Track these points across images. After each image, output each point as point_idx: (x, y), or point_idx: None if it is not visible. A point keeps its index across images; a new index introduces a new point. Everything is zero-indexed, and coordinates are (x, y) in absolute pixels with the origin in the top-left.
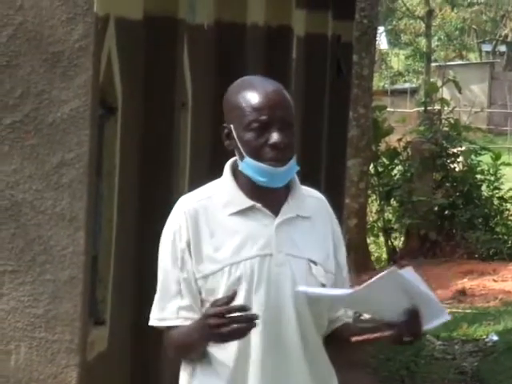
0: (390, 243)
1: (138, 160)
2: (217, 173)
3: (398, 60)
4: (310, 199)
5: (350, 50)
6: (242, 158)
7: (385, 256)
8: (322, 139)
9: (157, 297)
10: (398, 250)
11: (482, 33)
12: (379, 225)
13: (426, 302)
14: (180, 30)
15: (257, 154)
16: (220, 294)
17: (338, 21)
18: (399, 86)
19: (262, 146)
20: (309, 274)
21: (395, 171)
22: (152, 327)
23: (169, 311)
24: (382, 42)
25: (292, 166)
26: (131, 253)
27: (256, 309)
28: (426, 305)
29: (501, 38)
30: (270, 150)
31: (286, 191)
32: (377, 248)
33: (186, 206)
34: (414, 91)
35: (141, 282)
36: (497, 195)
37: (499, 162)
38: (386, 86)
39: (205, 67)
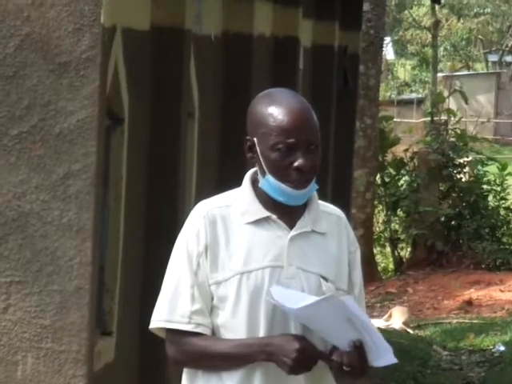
0: (396, 253)
1: (144, 170)
2: (223, 182)
3: (404, 70)
4: (328, 216)
5: (357, 61)
6: (263, 173)
7: (391, 266)
8: (328, 149)
9: (165, 298)
10: (404, 260)
11: (489, 43)
12: (386, 235)
13: (372, 336)
14: (187, 40)
15: (280, 175)
16: (228, 302)
17: (344, 31)
18: (406, 96)
19: (286, 167)
20: (319, 290)
21: (402, 181)
22: (159, 337)
23: (180, 314)
24: (389, 52)
25: (311, 187)
26: (138, 263)
27: (263, 319)
28: (373, 340)
29: (507, 49)
30: (295, 172)
31: (303, 205)
32: (383, 258)
33: (205, 210)
34: (420, 101)
35: (148, 292)
36: (503, 205)
37: (506, 173)
38: (393, 96)
39: (211, 78)
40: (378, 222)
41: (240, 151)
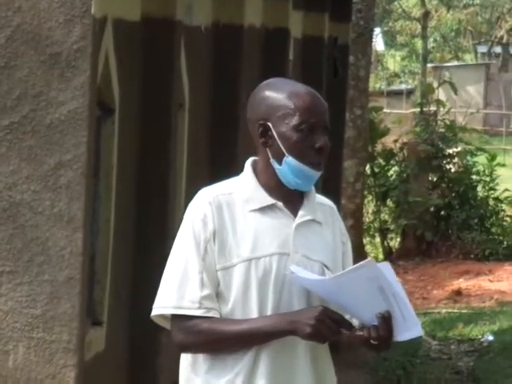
0: (386, 244)
1: (135, 161)
2: (214, 173)
3: (394, 61)
4: (322, 206)
5: (347, 52)
6: (280, 157)
7: (381, 256)
8: None
9: (172, 284)
10: (394, 250)
11: (478, 34)
12: (375, 225)
13: (401, 309)
14: (177, 31)
15: (301, 155)
16: (236, 288)
17: (334, 22)
18: (395, 87)
19: (307, 148)
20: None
21: (391, 172)
22: (149, 325)
23: (190, 300)
24: (379, 43)
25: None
26: (129, 253)
27: (270, 305)
28: (402, 313)
29: (496, 40)
30: (315, 153)
31: (301, 194)
32: (373, 248)
33: (211, 196)
34: (410, 92)
35: (138, 282)
36: (492, 196)
37: (495, 163)
38: (383, 87)
39: (202, 68)
40: (367, 213)
41: (230, 142)
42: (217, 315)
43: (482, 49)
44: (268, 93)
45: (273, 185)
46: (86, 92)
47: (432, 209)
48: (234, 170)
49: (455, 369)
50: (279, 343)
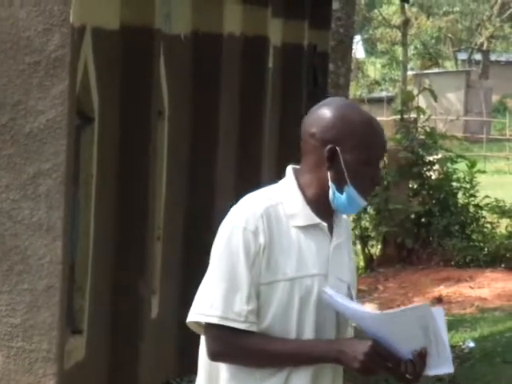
0: (367, 251)
1: (115, 169)
2: (193, 180)
3: (374, 69)
4: (342, 221)
5: (327, 59)
6: (341, 184)
7: (362, 264)
8: (299, 148)
9: (218, 293)
10: (374, 257)
11: (458, 41)
12: (356, 233)
13: (438, 346)
14: (156, 39)
15: (361, 188)
16: (277, 304)
17: (314, 30)
18: (376, 94)
19: (367, 181)
20: (349, 299)
21: None
22: (129, 333)
23: (236, 312)
24: (359, 50)
25: None
26: (109, 261)
27: (308, 326)
28: (437, 349)
29: (476, 47)
30: (372, 186)
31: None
32: (354, 256)
33: (262, 208)
34: (390, 99)
35: (118, 290)
36: (472, 203)
37: (475, 170)
38: (363, 94)
39: (181, 77)
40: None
41: (209, 149)
42: (256, 330)
43: (462, 56)
44: (340, 116)
45: (319, 204)
46: (65, 101)
47: (413, 216)
48: (214, 175)
49: (436, 376)
50: (312, 366)
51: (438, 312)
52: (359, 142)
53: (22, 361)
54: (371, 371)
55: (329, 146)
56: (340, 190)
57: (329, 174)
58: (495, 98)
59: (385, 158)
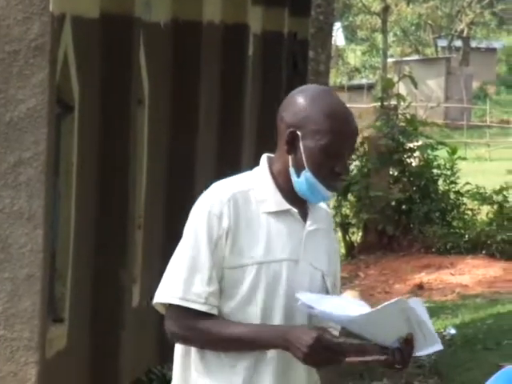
0: (347, 238)
1: (95, 157)
2: (173, 168)
3: (354, 56)
4: (320, 210)
5: (307, 47)
6: (300, 168)
7: (342, 251)
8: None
9: (179, 275)
10: (355, 244)
11: (438, 28)
12: (337, 220)
13: (423, 330)
14: (136, 28)
15: (320, 175)
16: (242, 288)
17: (294, 17)
18: (356, 81)
19: (328, 169)
20: (322, 286)
21: (352, 166)
22: (111, 321)
23: (196, 294)
24: (339, 37)
25: None
26: (89, 250)
27: (276, 312)
28: (422, 333)
29: (456, 33)
30: (334, 176)
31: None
32: None
33: (228, 193)
34: (370, 87)
35: (99, 279)
36: (453, 189)
37: (455, 157)
38: (343, 81)
39: (161, 65)
40: (329, 207)
41: (190, 137)
42: (217, 313)
43: (443, 43)
44: (308, 103)
45: (288, 189)
46: (45, 89)
47: (393, 203)
48: (194, 164)
49: (417, 363)
50: (279, 356)
51: (416, 302)
52: (320, 127)
53: (4, 349)
54: (316, 363)
55: (289, 130)
56: (298, 174)
57: (290, 158)
58: (475, 84)
59: (365, 145)
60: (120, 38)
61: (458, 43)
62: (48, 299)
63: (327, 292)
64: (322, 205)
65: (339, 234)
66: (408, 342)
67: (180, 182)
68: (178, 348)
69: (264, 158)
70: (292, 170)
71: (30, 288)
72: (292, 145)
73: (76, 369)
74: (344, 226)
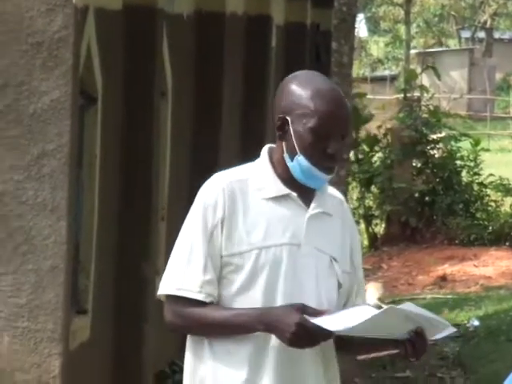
0: (370, 230)
1: (118, 149)
2: (197, 160)
3: (377, 47)
4: (333, 199)
5: (329, 38)
6: (293, 153)
7: (366, 243)
8: None
9: (177, 265)
10: (378, 236)
11: (461, 19)
12: (360, 212)
13: (429, 320)
14: (159, 19)
15: (312, 157)
16: (243, 275)
17: (316, 9)
18: (379, 73)
19: (319, 151)
20: (330, 270)
21: (375, 158)
22: (134, 313)
23: (191, 283)
24: (362, 29)
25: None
26: (113, 241)
27: (279, 296)
28: (429, 322)
29: (480, 25)
30: (327, 158)
31: None
32: None
33: (224, 183)
34: (393, 78)
35: (123, 270)
36: (476, 181)
37: (479, 148)
38: (366, 73)
39: (184, 57)
40: (352, 199)
41: (213, 129)
42: (214, 302)
43: (466, 34)
44: (294, 87)
45: (287, 176)
46: (68, 81)
47: (416, 194)
48: (217, 156)
49: (440, 354)
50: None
51: (409, 305)
52: (306, 110)
53: (28, 341)
54: (300, 346)
55: (279, 116)
56: (292, 159)
57: (283, 144)
58: (499, 75)
59: (388, 137)
60: (143, 29)
61: (482, 34)
62: (71, 291)
63: (336, 277)
64: (336, 194)
65: (362, 225)
66: (419, 334)
67: (203, 174)
68: (190, 337)
69: (265, 148)
70: (286, 156)
71: (53, 280)
72: (283, 130)
73: (99, 360)
74: (367, 218)
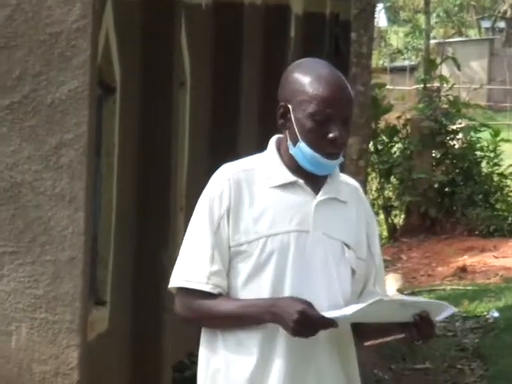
0: (390, 221)
1: (136, 139)
2: (215, 151)
3: (397, 37)
4: (347, 186)
5: (349, 28)
6: (295, 141)
7: (385, 234)
8: None
9: (185, 258)
10: (398, 227)
11: (481, 9)
12: (379, 202)
13: (428, 305)
14: (177, 9)
15: (313, 144)
16: (251, 263)
17: None
18: (398, 63)
19: (320, 137)
20: (341, 257)
21: (395, 149)
22: (152, 304)
23: (199, 274)
24: (381, 19)
25: (340, 159)
26: (131, 232)
27: (287, 283)
28: (430, 307)
29: (500, 15)
30: (329, 144)
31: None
32: (377, 226)
33: (230, 173)
34: (413, 68)
35: (141, 261)
36: (496, 172)
37: (499, 139)
38: (385, 63)
39: (203, 46)
40: (371, 190)
41: (231, 119)
42: (222, 293)
43: (486, 24)
44: (295, 75)
45: (294, 165)
46: (86, 71)
47: (436, 185)
48: (236, 146)
49: (460, 346)
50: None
51: (400, 296)
52: (305, 97)
53: (46, 332)
54: (303, 335)
55: (280, 104)
56: (295, 147)
57: (287, 133)
58: None
59: (407, 127)
60: (161, 18)
61: (502, 24)
62: (90, 282)
63: (349, 263)
64: (351, 181)
65: (381, 216)
66: (424, 318)
67: (221, 164)
68: (204, 330)
69: (273, 138)
70: (290, 144)
71: (71, 270)
72: (285, 119)
73: (117, 352)
74: (386, 209)
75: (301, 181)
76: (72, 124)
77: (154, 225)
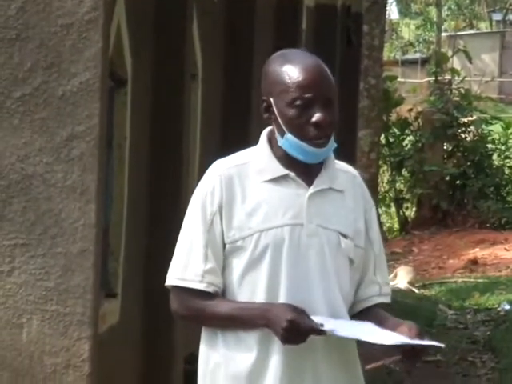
0: (401, 213)
1: (148, 132)
2: (227, 143)
3: (408, 30)
4: (344, 174)
5: (360, 21)
6: (282, 133)
7: (397, 226)
8: None
9: (179, 256)
10: (409, 220)
11: (493, 2)
12: (391, 195)
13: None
14: (189, 1)
15: (299, 132)
16: (245, 259)
17: None
18: (410, 56)
19: (304, 123)
20: (338, 247)
21: (406, 141)
22: (164, 296)
23: (192, 273)
24: (393, 11)
25: (331, 145)
26: (142, 225)
27: (283, 278)
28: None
29: (511, 7)
30: (313, 128)
31: (320, 163)
32: (388, 218)
33: (221, 169)
34: (424, 61)
35: (152, 253)
36: (508, 164)
37: (510, 131)
38: (397, 56)
39: (214, 38)
40: (382, 182)
41: (243, 112)
42: (217, 291)
43: (497, 16)
44: (272, 67)
45: (286, 156)
46: (98, 63)
47: (447, 178)
48: (248, 139)
49: (471, 338)
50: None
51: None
52: (282, 86)
53: (57, 324)
54: (292, 342)
55: (262, 98)
56: (282, 138)
57: (274, 126)
58: None
59: (419, 120)
60: (173, 11)
61: None
62: (101, 274)
63: (347, 253)
64: (348, 169)
65: (393, 209)
66: (408, 350)
67: None
68: (204, 327)
69: (265, 131)
70: (278, 136)
71: (82, 263)
72: (269, 112)
73: (129, 344)
74: (398, 201)
75: (292, 174)
76: (83, 116)
77: (166, 217)
